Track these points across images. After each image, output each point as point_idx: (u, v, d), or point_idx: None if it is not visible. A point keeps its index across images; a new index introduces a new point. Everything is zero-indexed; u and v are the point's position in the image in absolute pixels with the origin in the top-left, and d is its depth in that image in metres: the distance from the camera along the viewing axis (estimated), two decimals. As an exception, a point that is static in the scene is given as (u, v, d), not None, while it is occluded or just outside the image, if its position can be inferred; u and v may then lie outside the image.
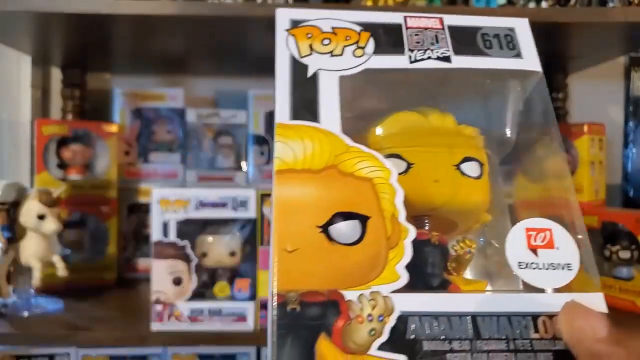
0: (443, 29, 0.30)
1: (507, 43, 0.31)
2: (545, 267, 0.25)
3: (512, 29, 0.31)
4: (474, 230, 0.30)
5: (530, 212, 0.30)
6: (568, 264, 0.25)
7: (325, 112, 0.26)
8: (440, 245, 0.26)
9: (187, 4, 0.64)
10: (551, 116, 0.29)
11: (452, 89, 0.32)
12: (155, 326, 0.63)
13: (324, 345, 0.21)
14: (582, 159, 0.84)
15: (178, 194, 0.64)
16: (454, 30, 0.31)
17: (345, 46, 0.29)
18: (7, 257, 0.69)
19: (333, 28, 0.29)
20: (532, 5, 0.72)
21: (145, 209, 0.90)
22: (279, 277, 0.22)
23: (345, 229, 0.24)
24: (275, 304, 0.21)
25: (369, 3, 0.68)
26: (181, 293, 0.63)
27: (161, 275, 0.63)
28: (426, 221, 0.29)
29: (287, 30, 0.28)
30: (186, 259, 0.64)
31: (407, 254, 0.23)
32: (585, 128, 0.84)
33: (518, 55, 0.30)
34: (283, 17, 0.29)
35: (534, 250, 0.25)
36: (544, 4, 0.72)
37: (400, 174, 0.26)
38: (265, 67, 0.78)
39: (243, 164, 0.95)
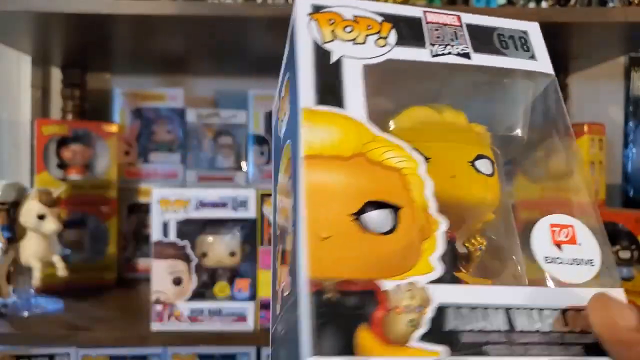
0: (461, 26, 0.30)
1: (522, 45, 0.31)
2: (569, 262, 0.25)
3: (525, 32, 0.32)
4: (477, 229, 0.30)
5: (549, 211, 0.30)
6: (590, 259, 0.25)
7: (350, 100, 0.25)
8: (451, 241, 0.26)
9: (187, 4, 0.64)
10: (565, 117, 0.30)
11: (462, 87, 0.32)
12: (155, 326, 0.63)
13: (364, 336, 0.20)
14: (582, 159, 0.84)
15: (178, 194, 0.64)
16: (472, 29, 0.31)
17: (367, 35, 0.28)
18: (7, 257, 0.69)
19: (355, 16, 0.28)
20: (532, 5, 0.72)
21: (145, 209, 0.90)
22: (312, 264, 0.21)
23: (377, 218, 0.23)
24: (309, 291, 0.20)
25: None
26: (181, 293, 0.63)
27: (161, 275, 0.63)
28: None
29: (310, 14, 0.28)
30: (186, 259, 0.64)
31: (440, 246, 0.23)
32: (585, 128, 0.84)
33: (532, 57, 0.31)
34: (304, 1, 0.28)
35: (558, 245, 0.25)
36: (544, 4, 0.72)
37: None
38: (265, 67, 0.78)
39: (243, 164, 0.95)
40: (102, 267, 0.86)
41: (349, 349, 0.20)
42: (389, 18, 0.29)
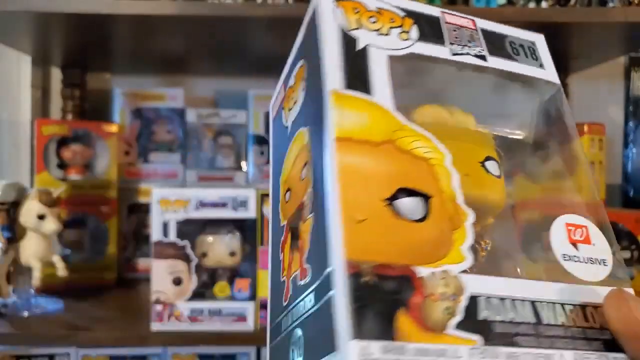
0: (476, 30, 0.31)
1: (531, 54, 0.32)
2: (585, 260, 0.26)
3: (533, 42, 0.33)
4: (480, 231, 0.30)
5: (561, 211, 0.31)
6: (603, 259, 0.26)
7: (377, 87, 0.25)
8: None
9: (187, 4, 0.64)
10: (572, 124, 0.31)
11: (471, 88, 0.32)
12: (155, 326, 0.63)
13: (403, 321, 0.20)
14: (588, 165, 0.84)
15: (178, 194, 0.64)
16: (486, 33, 0.31)
17: (391, 27, 0.28)
18: (7, 257, 0.69)
19: (378, 8, 0.29)
20: (532, 5, 0.72)
21: (145, 209, 0.90)
22: (348, 246, 0.21)
23: (410, 205, 0.23)
24: (345, 273, 0.20)
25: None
26: (181, 293, 0.63)
27: (161, 275, 0.63)
28: None
29: (335, 1, 0.28)
30: (186, 259, 0.64)
31: (470, 237, 0.23)
32: (585, 128, 0.84)
33: (541, 65, 0.32)
34: None
35: (574, 244, 0.26)
36: (544, 4, 0.72)
37: None
38: (265, 67, 0.79)
39: (243, 164, 0.95)
40: (102, 267, 0.86)
41: (389, 334, 0.19)
42: (410, 14, 0.29)
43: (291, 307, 0.26)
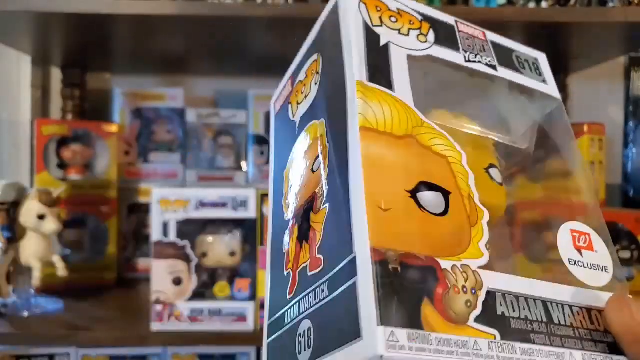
0: (487, 41, 0.32)
1: (535, 69, 0.34)
2: (589, 266, 0.26)
3: (536, 59, 0.34)
4: None
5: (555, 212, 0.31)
6: (605, 266, 0.27)
7: (398, 83, 0.26)
8: None
9: (187, 4, 0.64)
10: (572, 138, 0.32)
11: (478, 96, 0.33)
12: (155, 326, 0.63)
13: (428, 311, 0.20)
14: (583, 159, 0.84)
15: (178, 194, 0.64)
16: (495, 46, 0.33)
17: (410, 29, 0.29)
18: (7, 257, 0.69)
19: (398, 9, 0.29)
20: (532, 5, 0.72)
21: (145, 209, 0.90)
22: (374, 233, 0.21)
23: (432, 199, 0.23)
24: (371, 260, 0.20)
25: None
26: (181, 293, 0.63)
27: (161, 275, 0.63)
28: None
29: None
30: (186, 259, 0.64)
31: (487, 234, 0.23)
32: (585, 128, 0.84)
33: (544, 81, 0.33)
34: None
35: (579, 250, 0.27)
36: (544, 4, 0.72)
37: None
38: (265, 67, 0.78)
39: (243, 164, 0.95)
40: (102, 267, 0.86)
41: (415, 322, 0.19)
42: (427, 18, 0.30)
43: (298, 299, 0.26)
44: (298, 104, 0.32)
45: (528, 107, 0.33)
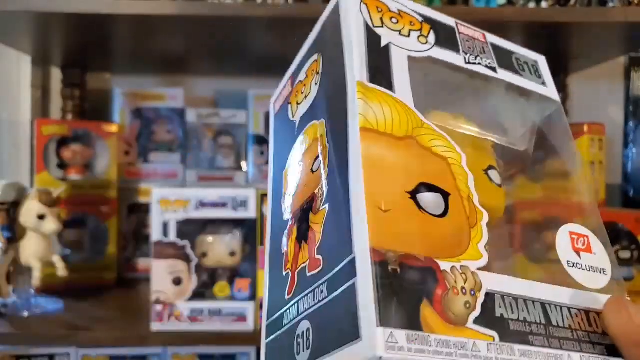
0: (487, 43, 0.32)
1: (535, 71, 0.34)
2: (587, 268, 0.26)
3: (536, 62, 0.34)
4: None
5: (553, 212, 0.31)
6: (603, 268, 0.27)
7: (399, 84, 0.26)
8: None
9: (187, 4, 0.64)
10: (571, 140, 0.32)
11: (477, 98, 0.33)
12: (155, 326, 0.63)
13: (427, 312, 0.20)
14: (582, 159, 0.84)
15: (178, 194, 0.64)
16: (495, 48, 0.33)
17: (411, 30, 0.29)
18: (7, 257, 0.69)
19: (399, 10, 0.29)
20: (532, 5, 0.72)
21: (145, 209, 0.90)
22: (373, 233, 0.21)
23: (432, 200, 0.23)
24: (372, 260, 0.20)
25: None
26: (181, 293, 0.63)
27: (161, 275, 0.63)
28: None
29: None
30: (186, 259, 0.64)
31: (486, 235, 0.23)
32: (585, 128, 0.84)
33: (544, 83, 0.34)
34: None
35: (577, 252, 0.27)
36: (544, 4, 0.72)
37: None
38: (265, 67, 0.79)
39: (243, 164, 0.95)
40: (102, 267, 0.86)
41: (414, 324, 0.19)
42: (427, 20, 0.30)
43: (297, 299, 0.26)
44: (298, 104, 0.32)
45: (527, 109, 0.33)
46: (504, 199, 0.30)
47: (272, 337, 0.28)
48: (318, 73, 0.29)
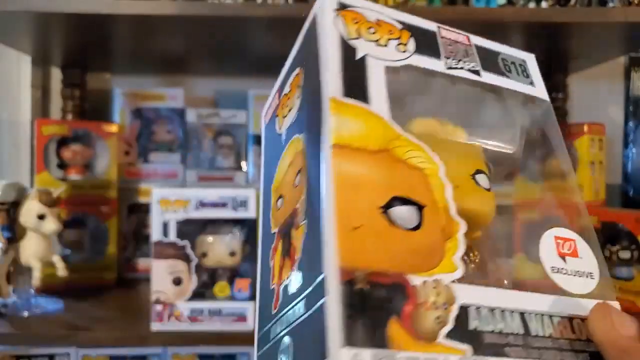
0: (471, 45, 0.32)
1: (522, 71, 0.33)
2: (572, 273, 0.26)
3: (524, 61, 0.34)
4: (468, 243, 0.31)
5: (538, 213, 0.31)
6: (590, 272, 0.27)
7: (374, 97, 0.26)
8: None
9: (187, 4, 0.64)
10: (562, 142, 0.31)
11: (462, 103, 0.33)
12: (155, 326, 0.63)
13: (395, 329, 0.20)
14: (582, 159, 0.84)
15: (178, 194, 0.64)
16: (479, 49, 0.32)
17: (389, 39, 0.29)
18: (7, 257, 0.69)
19: (377, 20, 0.29)
20: (532, 5, 0.72)
21: (145, 209, 0.90)
22: (342, 253, 0.21)
23: (405, 214, 0.23)
24: (339, 280, 0.20)
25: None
26: (181, 293, 0.63)
27: (161, 275, 0.63)
28: None
29: (336, 10, 0.28)
30: (186, 259, 0.64)
31: (462, 247, 0.23)
32: (585, 128, 0.84)
33: (532, 83, 0.33)
34: None
35: (562, 257, 0.26)
36: (544, 4, 0.72)
37: None
38: (265, 67, 0.79)
39: (243, 164, 0.96)
40: (102, 267, 0.86)
41: (380, 342, 0.19)
42: (407, 27, 0.30)
43: (281, 314, 0.26)
44: (284, 117, 0.32)
45: (515, 110, 0.33)
46: (494, 202, 0.30)
47: (262, 351, 0.28)
48: (300, 87, 0.29)
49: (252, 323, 0.64)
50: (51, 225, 0.69)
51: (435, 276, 0.22)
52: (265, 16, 0.64)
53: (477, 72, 0.31)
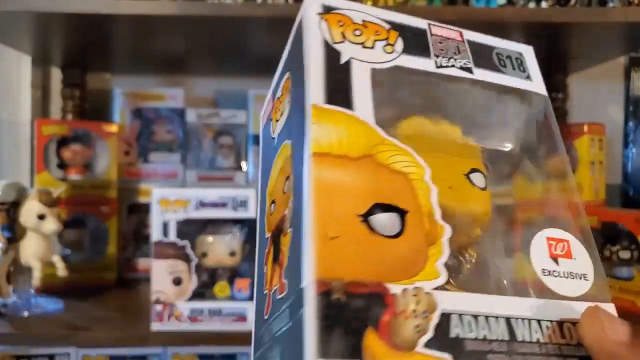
0: (463, 42, 0.31)
1: (518, 65, 0.32)
2: (565, 275, 0.26)
3: (521, 54, 0.33)
4: (465, 242, 0.30)
5: (535, 213, 0.30)
6: (584, 274, 0.26)
7: (358, 102, 0.25)
8: None
9: (187, 4, 0.64)
10: (558, 137, 0.31)
11: (458, 101, 0.32)
12: (155, 326, 0.63)
13: (371, 340, 0.20)
14: (582, 159, 0.84)
15: (178, 194, 0.64)
16: (473, 45, 0.31)
17: (376, 40, 0.28)
18: (7, 257, 0.69)
19: (363, 21, 0.28)
20: (532, 5, 0.72)
21: (145, 209, 0.90)
22: (319, 263, 0.20)
23: (385, 221, 0.23)
24: (315, 292, 0.20)
25: (369, 3, 0.68)
26: (181, 293, 0.63)
27: (161, 275, 0.63)
28: None
29: (320, 14, 0.27)
30: (186, 259, 0.64)
31: (446, 252, 0.23)
32: (585, 128, 0.84)
33: (528, 77, 0.32)
34: (314, 1, 0.28)
35: (554, 259, 0.26)
36: (544, 4, 0.72)
37: None
38: (265, 67, 0.78)
39: (243, 164, 0.96)
40: (102, 267, 0.86)
41: (356, 353, 0.19)
42: (395, 26, 0.29)
43: (271, 321, 0.26)
44: (276, 121, 0.31)
45: (512, 106, 0.32)
46: (490, 201, 0.30)
47: (258, 353, 0.28)
48: (289, 91, 0.29)
49: (251, 323, 0.64)
50: (51, 225, 0.69)
51: (416, 284, 0.22)
52: (265, 16, 0.64)
53: (469, 70, 0.30)
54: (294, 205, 0.24)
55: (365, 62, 0.27)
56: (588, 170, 0.84)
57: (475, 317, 0.22)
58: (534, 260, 0.26)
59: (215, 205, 0.64)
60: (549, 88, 0.33)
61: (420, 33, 0.30)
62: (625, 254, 0.72)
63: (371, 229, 0.22)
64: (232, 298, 0.65)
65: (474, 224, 0.29)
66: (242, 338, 0.64)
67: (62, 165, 0.86)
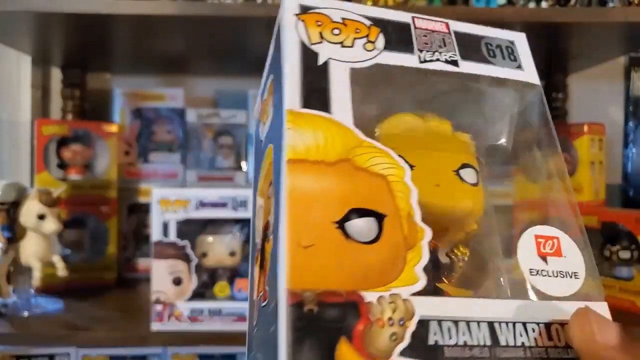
0: (449, 33, 0.30)
1: (509, 54, 0.31)
2: (554, 274, 0.25)
3: (512, 42, 0.32)
4: (460, 239, 0.30)
5: (529, 212, 0.30)
6: (575, 272, 0.25)
7: (336, 104, 0.25)
8: (433, 251, 0.26)
9: (187, 4, 0.64)
10: (550, 127, 0.30)
11: (447, 95, 0.31)
12: (155, 326, 0.63)
13: (344, 351, 0.19)
14: (582, 159, 0.84)
15: (178, 194, 0.64)
16: (460, 36, 0.30)
17: (355, 38, 0.27)
18: (7, 257, 0.69)
19: (343, 19, 0.28)
20: (532, 5, 0.72)
21: (145, 209, 0.90)
22: (292, 274, 0.20)
23: (361, 227, 0.22)
24: (286, 303, 0.20)
25: (369, 3, 0.68)
26: (181, 293, 0.63)
27: (161, 275, 0.63)
28: None
29: (297, 14, 0.27)
30: (186, 259, 0.64)
31: (425, 256, 0.22)
32: (585, 128, 0.84)
33: (519, 67, 0.31)
34: (291, 1, 0.27)
35: (543, 257, 0.25)
36: (544, 4, 0.72)
37: None
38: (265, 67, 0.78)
39: (243, 164, 0.95)
40: (102, 267, 0.86)
41: None
42: (377, 22, 0.28)
43: (258, 327, 0.25)
44: (264, 124, 0.31)
45: (503, 97, 0.31)
46: (481, 197, 0.29)
47: (250, 356, 0.28)
48: (272, 95, 0.28)
49: (252, 323, 0.64)
50: (51, 225, 0.69)
51: (393, 290, 0.21)
52: (265, 16, 0.64)
53: (454, 63, 0.29)
54: (274, 212, 0.24)
55: (344, 62, 0.26)
56: (588, 170, 0.84)
57: (456, 322, 0.22)
58: (522, 260, 0.25)
59: (215, 205, 0.64)
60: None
61: (403, 28, 0.29)
62: (625, 254, 0.72)
63: (347, 235, 0.22)
64: (232, 298, 0.65)
65: (469, 219, 0.29)
66: (242, 338, 0.63)
67: (62, 165, 0.86)
